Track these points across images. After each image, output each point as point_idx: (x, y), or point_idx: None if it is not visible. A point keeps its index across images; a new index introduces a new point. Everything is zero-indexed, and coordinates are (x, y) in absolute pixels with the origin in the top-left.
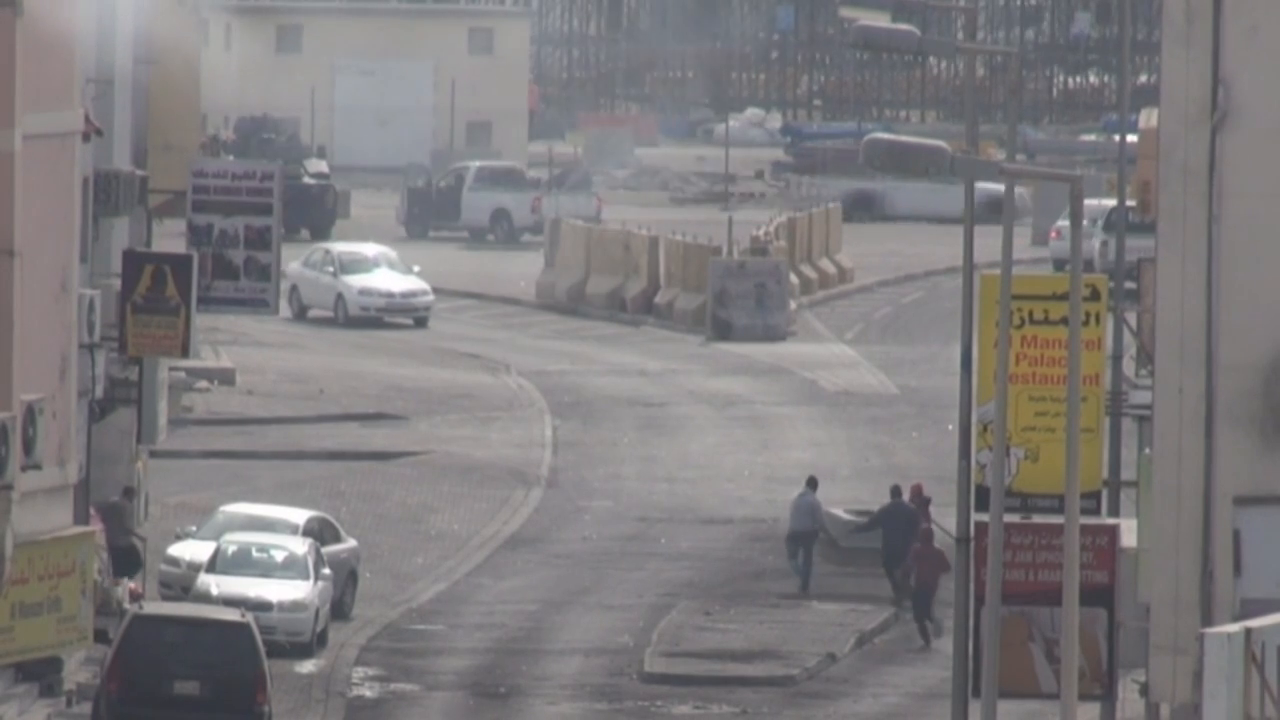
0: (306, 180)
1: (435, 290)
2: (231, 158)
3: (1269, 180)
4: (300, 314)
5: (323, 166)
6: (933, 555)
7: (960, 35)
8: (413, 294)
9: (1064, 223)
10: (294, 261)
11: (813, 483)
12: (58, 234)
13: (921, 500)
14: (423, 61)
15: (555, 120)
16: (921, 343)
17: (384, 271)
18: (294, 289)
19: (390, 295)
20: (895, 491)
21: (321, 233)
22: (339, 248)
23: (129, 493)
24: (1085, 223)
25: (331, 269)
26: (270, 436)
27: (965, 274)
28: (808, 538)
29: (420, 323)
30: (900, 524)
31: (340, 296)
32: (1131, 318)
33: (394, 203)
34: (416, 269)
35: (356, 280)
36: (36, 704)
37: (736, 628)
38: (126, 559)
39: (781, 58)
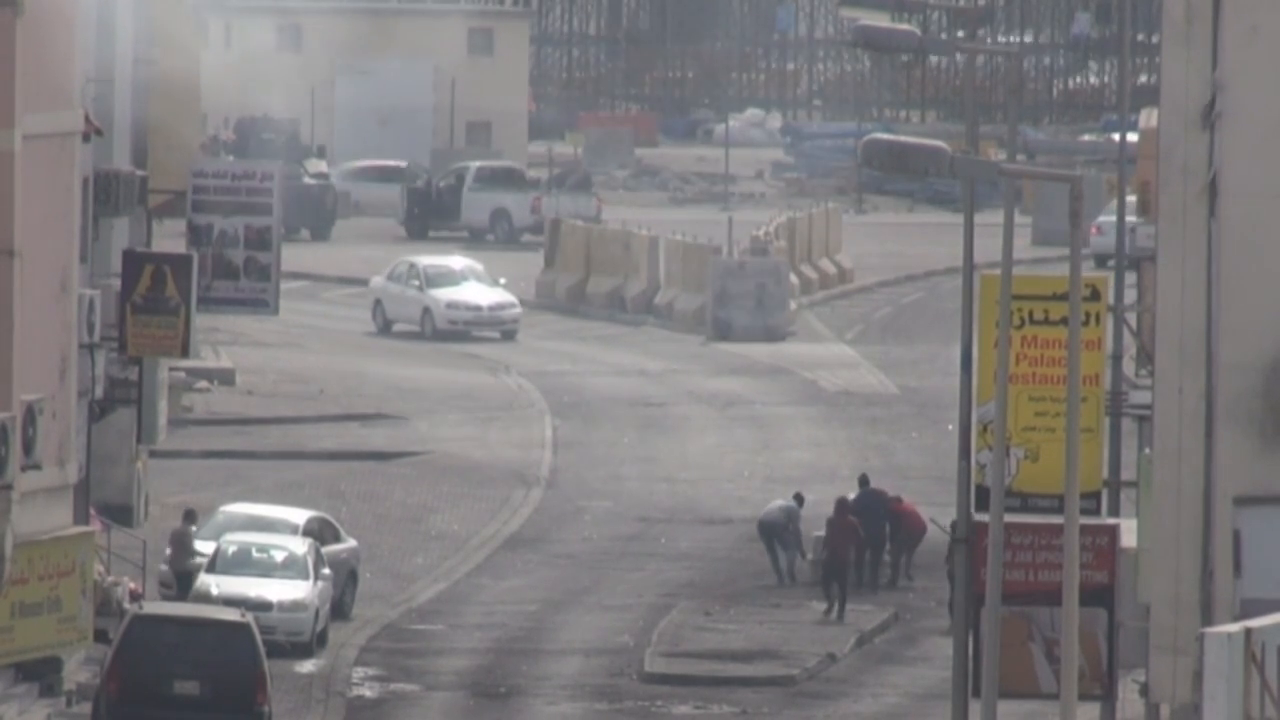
0: (307, 180)
1: None
2: (231, 158)
3: (1269, 180)
4: (385, 328)
5: (322, 167)
6: (846, 526)
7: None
8: (501, 307)
9: (1105, 218)
10: (376, 276)
11: (799, 498)
12: (58, 234)
13: (888, 499)
14: (423, 61)
15: (555, 120)
16: (921, 343)
17: (471, 284)
18: (377, 303)
19: (478, 309)
20: (864, 481)
21: (321, 233)
22: (424, 261)
23: (190, 515)
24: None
25: (417, 282)
26: (270, 436)
27: (965, 274)
28: (779, 530)
29: (508, 336)
30: (873, 511)
31: (427, 310)
32: (1131, 318)
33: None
34: (503, 281)
35: (444, 293)
36: (36, 704)
37: (736, 628)
38: (189, 584)
39: (781, 57)
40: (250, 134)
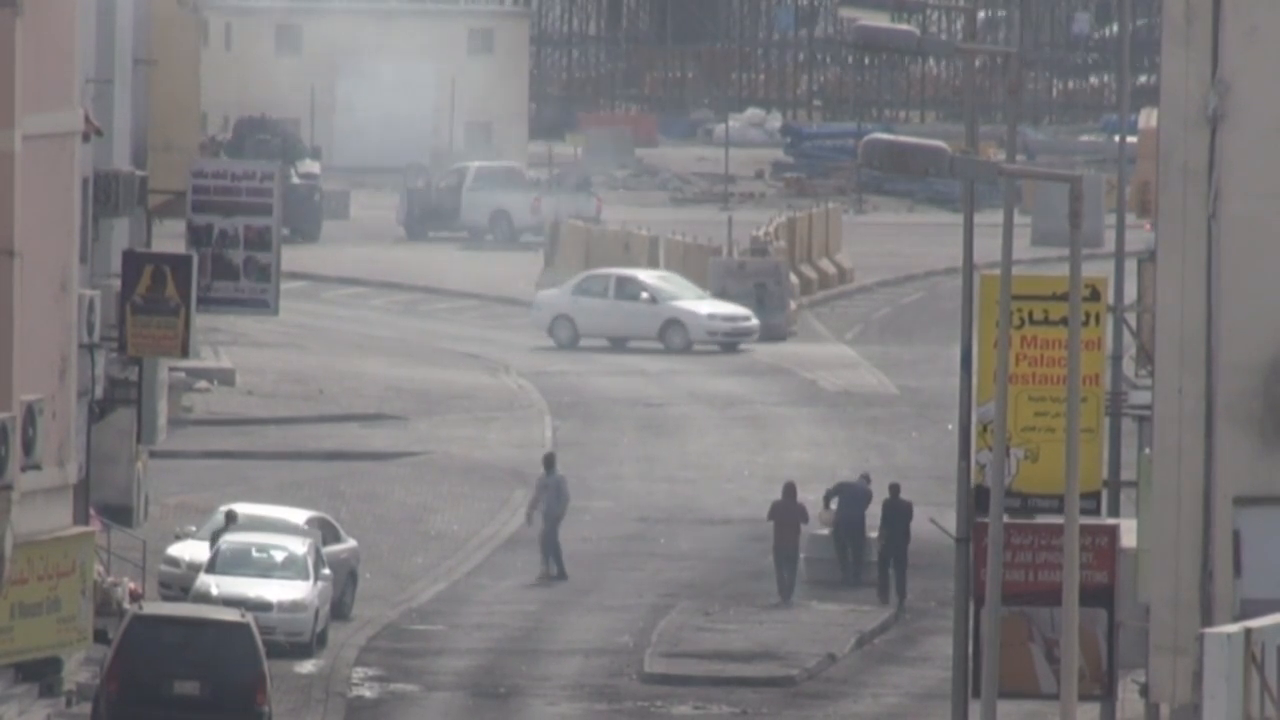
0: (294, 181)
1: (435, 291)
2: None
3: (1269, 180)
4: (571, 343)
5: (313, 168)
6: (793, 509)
7: (960, 35)
8: (744, 317)
9: None
10: (547, 290)
11: (550, 460)
12: (58, 234)
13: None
14: (423, 61)
15: (555, 120)
16: (921, 343)
17: (704, 298)
18: (560, 318)
19: (734, 319)
20: (865, 477)
21: (309, 234)
22: (642, 275)
23: (231, 517)
24: None
25: (647, 294)
26: (270, 436)
27: (965, 274)
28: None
29: (728, 347)
30: (855, 500)
31: (674, 323)
32: (1131, 318)
33: (394, 203)
34: (706, 293)
35: (699, 306)
36: (36, 704)
37: (736, 628)
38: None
39: (781, 57)
40: (246, 135)
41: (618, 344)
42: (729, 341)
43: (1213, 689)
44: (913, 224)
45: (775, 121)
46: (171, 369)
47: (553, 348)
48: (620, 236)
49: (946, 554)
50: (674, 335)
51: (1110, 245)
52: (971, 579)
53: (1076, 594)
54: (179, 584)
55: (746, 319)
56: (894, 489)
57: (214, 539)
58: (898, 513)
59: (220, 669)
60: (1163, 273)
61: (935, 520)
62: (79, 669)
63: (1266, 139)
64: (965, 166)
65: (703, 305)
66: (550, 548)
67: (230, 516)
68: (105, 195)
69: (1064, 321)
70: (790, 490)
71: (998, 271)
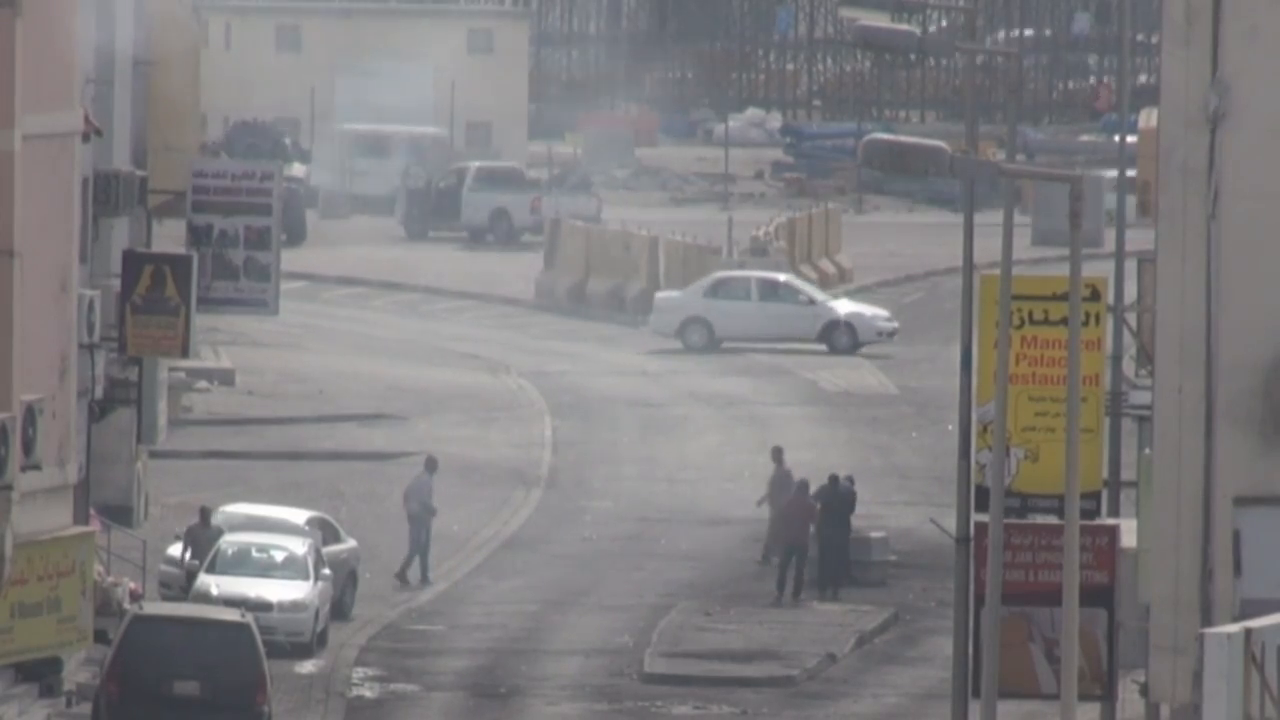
0: None
1: (435, 290)
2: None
3: (1269, 180)
4: (703, 346)
5: (297, 171)
6: (805, 507)
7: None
8: (891, 319)
9: None
10: (669, 293)
11: (431, 464)
12: (58, 234)
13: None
14: (423, 62)
15: (555, 120)
16: (921, 343)
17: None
18: (691, 321)
19: (890, 321)
20: (850, 480)
21: (294, 236)
22: (783, 277)
23: (205, 514)
24: None
25: (804, 296)
26: (270, 436)
27: (965, 274)
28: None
29: (845, 350)
30: (837, 505)
31: (840, 324)
32: (1131, 318)
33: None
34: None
35: (859, 307)
36: (36, 704)
37: (736, 628)
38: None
39: (781, 58)
40: (236, 139)
41: (714, 344)
42: (873, 341)
43: (1213, 689)
44: (913, 224)
45: (775, 121)
46: (171, 369)
47: (679, 350)
48: (620, 236)
49: (946, 554)
50: (840, 337)
51: (1110, 245)
52: (972, 579)
53: (1076, 594)
54: (179, 584)
55: (891, 319)
56: (834, 479)
57: (187, 537)
58: (836, 502)
59: (220, 669)
60: (1163, 273)
61: (935, 520)
62: (79, 669)
63: (1266, 139)
64: (965, 166)
65: (857, 307)
66: (422, 549)
67: (205, 513)
68: (105, 195)
69: (1064, 321)
70: (803, 489)
71: (998, 271)
